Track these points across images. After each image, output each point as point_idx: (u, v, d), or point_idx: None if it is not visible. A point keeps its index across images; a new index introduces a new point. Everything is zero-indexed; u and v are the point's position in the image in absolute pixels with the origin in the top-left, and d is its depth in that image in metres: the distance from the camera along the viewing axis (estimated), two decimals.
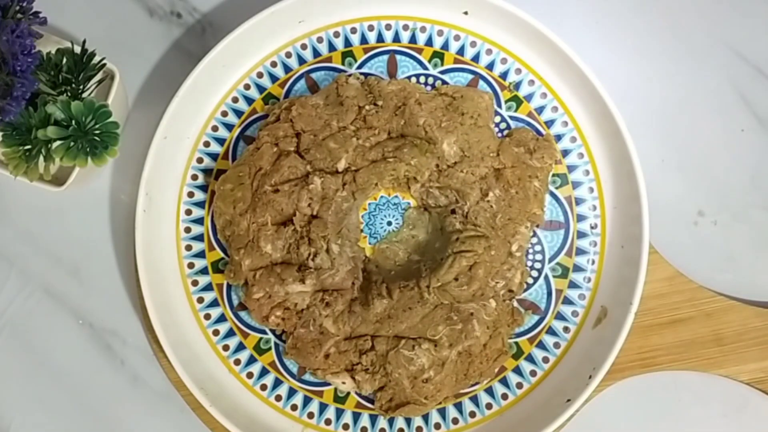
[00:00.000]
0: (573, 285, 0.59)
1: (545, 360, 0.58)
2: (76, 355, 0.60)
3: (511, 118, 0.61)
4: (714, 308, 0.59)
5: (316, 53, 0.61)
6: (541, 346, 0.58)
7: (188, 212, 0.60)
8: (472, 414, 0.57)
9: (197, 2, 0.65)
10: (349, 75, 0.59)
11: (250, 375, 0.58)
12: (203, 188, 0.60)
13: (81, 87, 0.56)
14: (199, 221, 0.60)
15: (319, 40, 0.61)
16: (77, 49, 0.56)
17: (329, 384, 0.57)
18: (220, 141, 0.61)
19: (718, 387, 0.59)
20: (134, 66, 0.63)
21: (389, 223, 0.59)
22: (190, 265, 0.59)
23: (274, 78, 0.61)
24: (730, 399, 0.59)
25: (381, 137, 0.58)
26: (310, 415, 0.57)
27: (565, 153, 0.60)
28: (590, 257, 0.59)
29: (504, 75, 0.61)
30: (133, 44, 0.64)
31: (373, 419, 0.57)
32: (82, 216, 0.62)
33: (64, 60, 0.55)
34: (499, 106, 0.61)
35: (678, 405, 0.59)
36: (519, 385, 0.58)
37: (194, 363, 0.56)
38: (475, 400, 0.58)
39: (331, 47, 0.61)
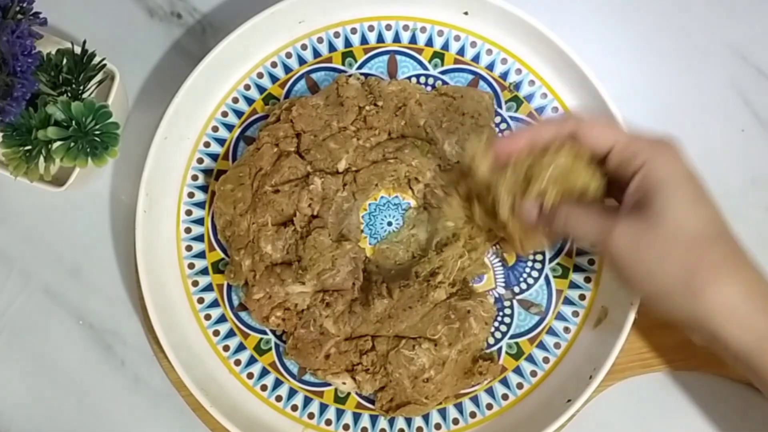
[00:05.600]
0: (573, 285, 0.59)
1: (546, 360, 0.58)
2: (77, 355, 0.60)
3: (512, 118, 0.61)
4: None
5: (316, 53, 0.61)
6: (542, 346, 0.58)
7: (188, 213, 0.60)
8: (473, 414, 0.57)
9: (197, 3, 0.65)
10: (350, 75, 0.59)
11: (250, 375, 0.58)
12: (203, 189, 0.60)
13: (81, 87, 0.56)
14: (200, 222, 0.60)
15: (320, 40, 0.61)
16: (77, 50, 0.56)
17: (330, 384, 0.57)
18: (221, 141, 0.61)
19: (719, 387, 0.59)
20: (134, 66, 0.63)
21: (389, 224, 0.59)
22: (191, 266, 0.59)
23: (274, 78, 0.61)
24: (730, 399, 0.59)
25: (381, 138, 0.58)
26: (311, 416, 0.57)
27: None
28: (591, 257, 0.59)
29: (504, 75, 0.61)
30: (134, 44, 0.64)
31: (374, 419, 0.57)
32: (83, 216, 0.62)
33: (65, 60, 0.55)
34: (500, 106, 0.61)
35: (678, 405, 0.59)
36: (519, 386, 0.58)
37: (194, 363, 0.56)
38: (475, 400, 0.58)
39: (332, 47, 0.61)
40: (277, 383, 0.58)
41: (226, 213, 0.57)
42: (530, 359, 0.58)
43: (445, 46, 0.61)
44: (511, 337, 0.58)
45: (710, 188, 0.61)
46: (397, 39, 0.61)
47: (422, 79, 0.61)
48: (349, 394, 0.58)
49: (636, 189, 0.46)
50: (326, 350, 0.55)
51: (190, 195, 0.60)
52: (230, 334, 0.58)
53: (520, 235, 0.52)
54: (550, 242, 0.58)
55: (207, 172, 0.60)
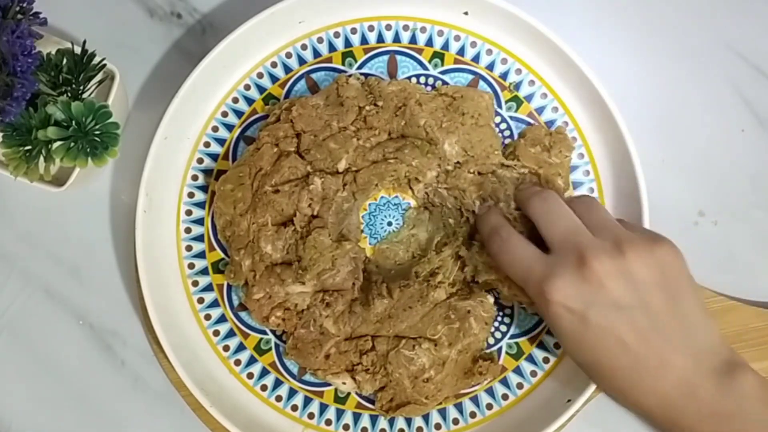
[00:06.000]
0: None
1: (546, 360, 0.58)
2: (77, 355, 0.60)
3: (512, 118, 0.61)
4: (714, 308, 0.59)
5: (316, 53, 0.61)
6: (542, 346, 0.58)
7: (188, 213, 0.60)
8: (473, 414, 0.57)
9: (197, 3, 0.65)
10: (350, 75, 0.59)
11: (250, 375, 0.58)
12: (203, 189, 0.60)
13: (81, 87, 0.56)
14: (200, 222, 0.60)
15: (320, 40, 0.61)
16: (77, 50, 0.56)
17: (330, 384, 0.57)
18: (221, 141, 0.61)
19: None
20: (134, 66, 0.63)
21: (389, 224, 0.59)
22: (191, 266, 0.59)
23: (274, 78, 0.61)
24: None
25: (381, 138, 0.58)
26: (311, 416, 0.57)
27: None
28: None
29: (504, 75, 0.61)
30: (133, 44, 0.64)
31: (374, 419, 0.57)
32: (83, 216, 0.62)
33: (65, 60, 0.55)
34: (500, 106, 0.61)
35: None
36: (519, 386, 0.58)
37: (194, 363, 0.56)
38: (475, 400, 0.58)
39: (332, 48, 0.61)
40: (277, 383, 0.58)
41: (226, 213, 0.57)
42: (530, 359, 0.58)
43: (445, 46, 0.61)
44: (511, 337, 0.58)
45: (711, 188, 0.61)
46: (397, 39, 0.61)
47: (422, 79, 0.61)
48: (349, 394, 0.58)
49: None
50: (326, 350, 0.55)
51: (190, 195, 0.60)
52: (230, 334, 0.58)
53: None
54: None
55: (207, 172, 0.60)
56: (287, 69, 0.61)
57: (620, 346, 0.47)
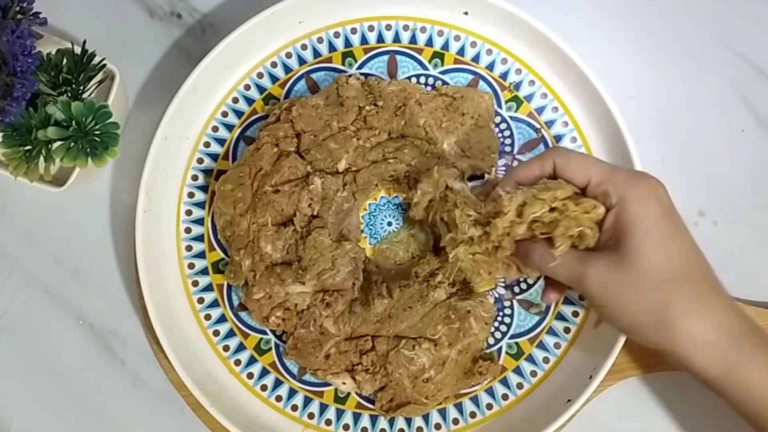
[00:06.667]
0: None
1: (546, 360, 0.58)
2: (77, 355, 0.60)
3: (512, 118, 0.61)
4: None
5: (316, 53, 0.61)
6: (542, 346, 0.58)
7: (188, 213, 0.60)
8: (473, 414, 0.57)
9: (197, 3, 0.65)
10: (350, 75, 0.59)
11: (250, 375, 0.58)
12: (203, 189, 0.60)
13: (81, 87, 0.56)
14: (200, 222, 0.60)
15: (320, 40, 0.61)
16: (77, 50, 0.56)
17: (330, 384, 0.57)
18: (221, 141, 0.61)
19: None
20: (134, 66, 0.63)
21: (389, 224, 0.59)
22: (191, 266, 0.59)
23: (274, 78, 0.61)
24: None
25: (381, 138, 0.58)
26: (311, 416, 0.57)
27: None
28: None
29: (504, 75, 0.61)
30: (134, 44, 0.64)
31: (374, 419, 0.57)
32: (83, 216, 0.62)
33: (65, 60, 0.55)
34: (500, 106, 0.61)
35: (679, 405, 0.59)
36: (519, 386, 0.58)
37: (194, 363, 0.56)
38: (475, 400, 0.58)
39: (332, 47, 0.61)
40: (277, 383, 0.58)
41: (226, 213, 0.57)
42: (530, 359, 0.58)
43: (445, 46, 0.61)
44: (511, 337, 0.58)
45: (711, 188, 0.61)
46: (397, 39, 0.61)
47: (422, 79, 0.61)
48: (349, 394, 0.58)
49: (609, 227, 0.47)
50: (326, 350, 0.55)
51: (190, 195, 0.60)
52: (230, 334, 0.58)
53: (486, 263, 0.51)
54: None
55: (207, 172, 0.60)
56: (287, 69, 0.61)
57: (691, 245, 0.47)
